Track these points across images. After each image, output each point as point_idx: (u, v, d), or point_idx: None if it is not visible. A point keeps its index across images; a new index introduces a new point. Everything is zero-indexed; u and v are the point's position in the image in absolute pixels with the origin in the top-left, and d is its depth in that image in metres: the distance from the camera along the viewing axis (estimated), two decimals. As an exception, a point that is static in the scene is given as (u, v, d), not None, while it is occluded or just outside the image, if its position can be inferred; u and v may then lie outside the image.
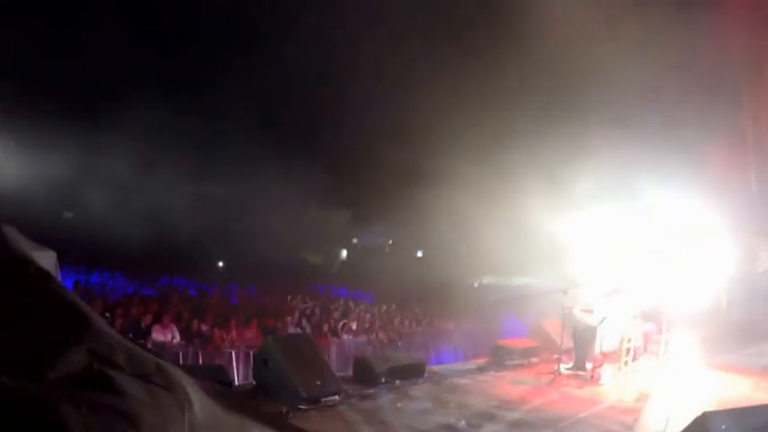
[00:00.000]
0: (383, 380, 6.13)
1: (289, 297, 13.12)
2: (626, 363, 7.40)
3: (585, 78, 10.39)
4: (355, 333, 10.48)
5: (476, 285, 20.82)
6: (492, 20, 12.92)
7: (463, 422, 5.18)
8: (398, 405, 5.60)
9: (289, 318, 10.43)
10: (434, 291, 16.26)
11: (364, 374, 6.21)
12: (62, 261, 4.32)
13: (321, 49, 14.29)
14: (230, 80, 15.59)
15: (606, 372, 7.22)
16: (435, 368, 7.36)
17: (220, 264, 21.14)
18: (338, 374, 6.23)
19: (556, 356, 7.73)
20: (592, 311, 7.52)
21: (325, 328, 10.48)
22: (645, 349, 8.19)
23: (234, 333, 8.68)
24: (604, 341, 7.35)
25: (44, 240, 3.52)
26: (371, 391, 5.92)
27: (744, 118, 11.15)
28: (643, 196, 9.32)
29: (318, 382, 5.43)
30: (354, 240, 27.64)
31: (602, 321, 7.38)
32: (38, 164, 13.27)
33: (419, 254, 26.22)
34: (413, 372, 6.57)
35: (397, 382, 6.26)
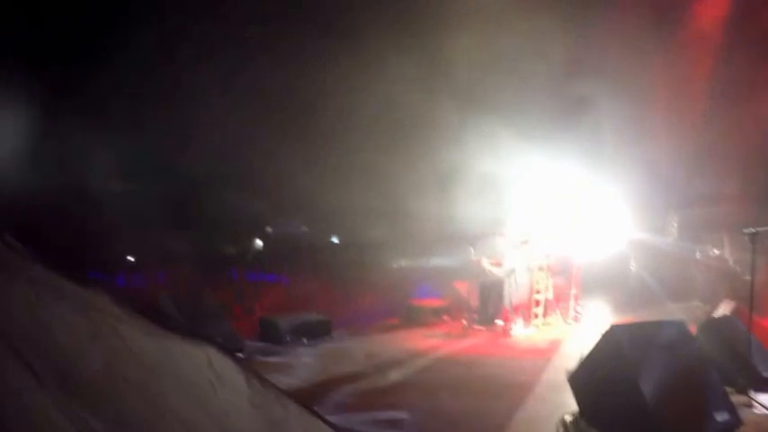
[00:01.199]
0: (288, 338, 5.81)
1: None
2: (536, 315, 7.43)
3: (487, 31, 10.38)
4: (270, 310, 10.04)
5: (394, 267, 20.77)
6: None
7: (372, 369, 4.98)
8: (304, 360, 5.32)
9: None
10: (349, 273, 16.01)
11: (269, 333, 5.88)
12: None
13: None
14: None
15: (517, 324, 7.22)
16: (344, 329, 7.09)
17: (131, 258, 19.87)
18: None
19: (466, 314, 7.70)
20: (500, 264, 7.54)
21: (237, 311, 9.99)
22: (556, 304, 8.25)
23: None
24: (513, 294, 7.35)
25: None
26: (278, 348, 5.60)
27: (656, 89, 11.74)
28: (555, 156, 9.50)
29: (219, 340, 5.03)
30: (269, 229, 27.00)
31: (510, 273, 7.39)
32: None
33: (334, 240, 25.94)
34: (320, 330, 6.29)
35: (304, 340, 5.95)
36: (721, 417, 3.22)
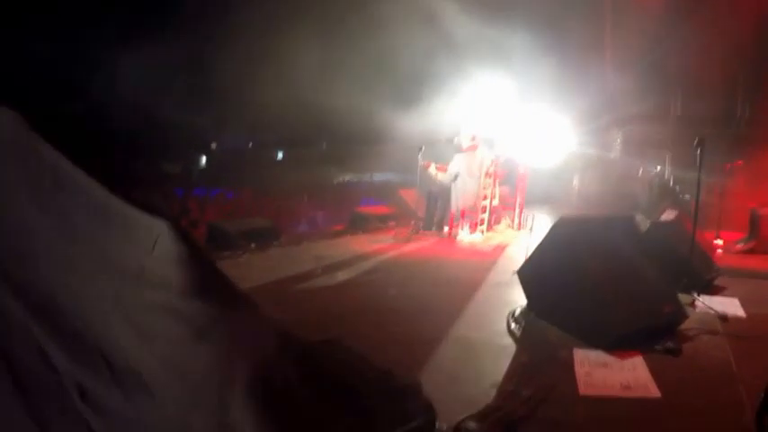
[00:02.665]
0: (237, 243, 5.58)
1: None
2: (482, 221, 7.44)
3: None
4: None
5: (335, 182, 20.62)
6: None
7: (320, 269, 4.85)
8: (253, 263, 5.13)
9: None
10: (294, 187, 15.71)
11: (217, 239, 5.62)
12: None
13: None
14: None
15: (462, 230, 7.22)
16: (292, 234, 6.92)
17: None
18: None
19: (413, 221, 7.64)
20: (446, 170, 7.44)
21: (184, 221, 9.62)
22: (501, 212, 8.31)
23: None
24: (459, 199, 7.30)
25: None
26: (226, 252, 5.37)
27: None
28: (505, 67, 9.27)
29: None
30: (213, 146, 25.99)
31: (455, 178, 7.32)
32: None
33: (279, 155, 25.37)
34: (268, 235, 6.09)
35: (252, 245, 5.74)
36: (668, 308, 3.29)
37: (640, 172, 11.10)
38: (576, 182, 11.29)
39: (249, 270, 4.80)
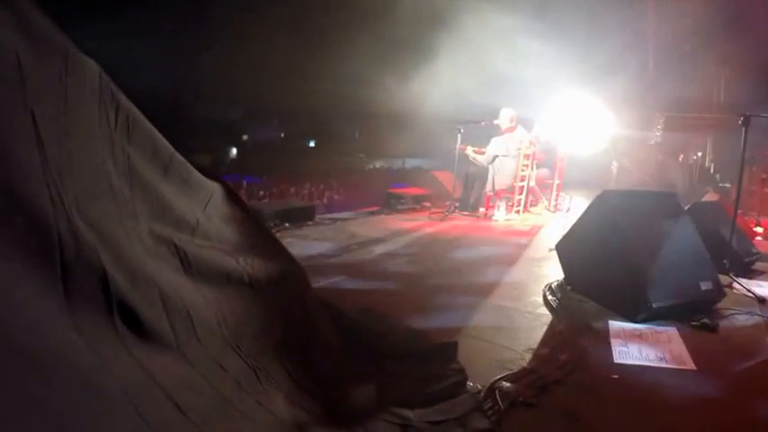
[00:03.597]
0: (272, 223, 5.68)
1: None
2: (519, 201, 7.38)
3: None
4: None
5: (368, 168, 20.70)
6: None
7: (355, 245, 4.92)
8: (288, 240, 5.21)
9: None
10: (326, 174, 15.81)
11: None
12: None
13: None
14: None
15: (499, 210, 7.19)
16: (325, 215, 6.98)
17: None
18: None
19: (448, 202, 7.64)
20: (483, 152, 7.40)
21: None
22: (539, 193, 8.21)
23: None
24: (496, 180, 7.26)
25: None
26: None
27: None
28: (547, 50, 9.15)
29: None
30: (245, 137, 26.39)
31: (492, 160, 7.27)
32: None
33: (311, 144, 25.57)
34: (303, 215, 6.18)
35: (287, 224, 5.84)
36: (706, 286, 3.23)
37: (680, 158, 10.80)
38: (614, 167, 11.03)
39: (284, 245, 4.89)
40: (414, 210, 7.66)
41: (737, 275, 3.95)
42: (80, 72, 1.20)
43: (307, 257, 4.40)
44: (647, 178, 10.43)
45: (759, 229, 6.51)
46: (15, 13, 1.04)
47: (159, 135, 1.48)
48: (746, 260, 4.40)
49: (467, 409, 1.89)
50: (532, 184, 7.69)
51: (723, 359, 2.57)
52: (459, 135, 7.33)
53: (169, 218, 1.40)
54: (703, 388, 2.24)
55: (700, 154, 11.04)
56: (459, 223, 6.67)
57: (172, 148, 1.52)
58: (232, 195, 1.80)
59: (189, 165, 1.60)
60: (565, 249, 3.70)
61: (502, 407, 1.89)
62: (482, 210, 7.32)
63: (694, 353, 2.59)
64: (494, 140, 7.31)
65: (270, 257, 1.77)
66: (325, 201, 9.55)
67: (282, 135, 27.27)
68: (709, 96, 11.47)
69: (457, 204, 7.50)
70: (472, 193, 7.47)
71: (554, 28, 9.10)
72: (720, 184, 9.61)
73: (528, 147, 7.28)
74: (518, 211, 7.26)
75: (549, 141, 7.92)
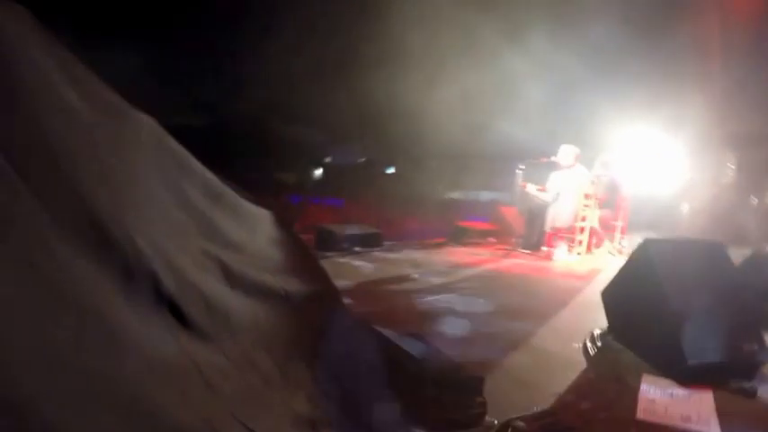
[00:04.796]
0: (343, 246, 6.05)
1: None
2: (580, 242, 7.35)
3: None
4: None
5: (444, 197, 20.88)
6: None
7: (416, 274, 5.16)
8: (356, 264, 5.54)
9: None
10: (402, 201, 16.19)
11: (325, 240, 6.13)
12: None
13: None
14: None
15: (560, 249, 7.18)
16: (395, 242, 7.29)
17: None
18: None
19: (513, 239, 7.71)
20: (545, 189, 7.45)
21: (297, 227, 10.40)
22: (601, 235, 8.11)
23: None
24: (557, 218, 7.28)
25: None
26: (332, 254, 5.86)
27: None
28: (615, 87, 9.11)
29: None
30: (328, 159, 27.38)
31: (555, 198, 7.30)
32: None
33: (391, 170, 26.13)
34: (371, 241, 6.51)
35: (356, 248, 6.18)
36: (750, 347, 3.18)
37: (756, 201, 10.19)
38: (685, 209, 10.60)
39: (349, 270, 5.22)
40: (479, 244, 7.81)
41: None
42: (135, 127, 1.54)
43: (368, 282, 4.69)
44: (716, 222, 9.92)
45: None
46: (79, 82, 1.39)
47: (211, 174, 1.81)
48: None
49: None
50: (594, 224, 7.61)
51: (748, 425, 2.56)
52: (519, 172, 7.43)
53: (218, 239, 1.70)
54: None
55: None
56: (519, 261, 6.73)
57: (222, 185, 1.84)
58: (280, 222, 2.09)
59: (239, 197, 1.91)
60: (610, 297, 3.75)
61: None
62: (544, 249, 7.34)
63: (725, 418, 2.59)
64: (552, 176, 7.34)
65: (307, 278, 2.04)
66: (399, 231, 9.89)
67: (363, 159, 28.22)
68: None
69: (521, 241, 7.57)
70: (534, 229, 7.51)
71: (618, 60, 9.02)
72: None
73: (588, 186, 7.25)
74: (579, 253, 7.21)
75: (612, 181, 7.82)
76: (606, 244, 7.96)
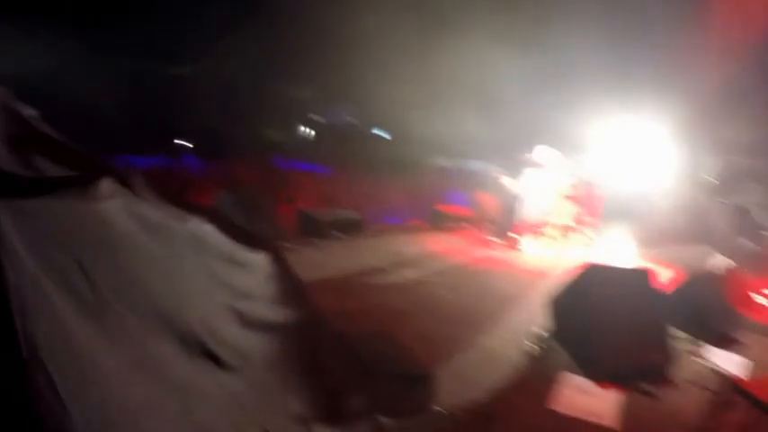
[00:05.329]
0: (325, 232, 6.72)
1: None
2: (550, 236, 8.04)
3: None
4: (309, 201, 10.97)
5: (431, 166, 21.37)
6: None
7: (389, 268, 5.87)
8: (335, 251, 6.24)
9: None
10: (391, 168, 16.74)
11: (308, 227, 6.79)
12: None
13: None
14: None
15: (526, 240, 7.90)
16: (375, 226, 7.96)
17: (183, 141, 21.00)
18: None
19: (486, 225, 8.42)
20: (517, 181, 8.12)
21: (280, 198, 10.95)
22: (572, 229, 8.75)
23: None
24: (527, 212, 7.97)
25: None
26: (315, 240, 6.53)
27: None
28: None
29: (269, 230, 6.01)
30: (321, 119, 27.56)
31: (526, 194, 7.98)
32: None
33: (383, 134, 26.45)
34: (353, 227, 7.17)
35: (338, 234, 6.86)
36: (657, 356, 3.97)
37: (729, 205, 10.95)
38: (660, 204, 11.37)
39: (331, 258, 5.93)
40: (454, 230, 8.51)
41: (716, 347, 4.59)
42: (181, 242, 2.15)
43: (345, 274, 5.40)
44: (686, 221, 10.70)
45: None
46: (134, 215, 2.02)
47: (222, 239, 2.41)
48: (722, 330, 4.96)
49: (425, 424, 2.82)
50: (565, 220, 8.30)
51: (644, 425, 3.32)
52: (494, 167, 8.08)
53: (233, 293, 2.33)
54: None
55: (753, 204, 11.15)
56: (487, 253, 7.46)
57: (232, 243, 2.44)
58: (278, 260, 2.72)
59: (244, 250, 2.51)
60: (554, 304, 4.50)
61: (446, 428, 2.82)
62: (512, 235, 7.98)
63: (625, 414, 3.36)
64: (526, 172, 7.99)
65: (296, 304, 2.69)
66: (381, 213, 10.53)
67: (353, 120, 28.43)
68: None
69: (493, 229, 8.27)
70: (506, 219, 8.18)
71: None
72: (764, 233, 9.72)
73: (560, 185, 7.92)
74: (547, 246, 7.94)
75: (586, 179, 8.50)
76: (578, 237, 8.72)
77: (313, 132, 25.65)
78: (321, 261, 5.76)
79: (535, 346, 4.19)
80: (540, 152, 7.99)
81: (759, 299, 6.56)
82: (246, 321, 2.21)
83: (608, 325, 3.92)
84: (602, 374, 3.77)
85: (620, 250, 8.29)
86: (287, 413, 2.15)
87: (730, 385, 2.64)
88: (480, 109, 12.62)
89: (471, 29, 12.36)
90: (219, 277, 2.21)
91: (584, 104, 9.84)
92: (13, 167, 1.89)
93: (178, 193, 9.37)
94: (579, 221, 8.76)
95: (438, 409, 2.99)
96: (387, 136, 25.40)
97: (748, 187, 11.40)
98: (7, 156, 1.95)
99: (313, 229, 6.69)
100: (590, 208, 8.71)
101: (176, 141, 20.27)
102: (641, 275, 4.34)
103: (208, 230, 2.18)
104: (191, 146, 20.38)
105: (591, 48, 10.20)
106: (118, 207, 1.80)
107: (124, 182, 1.86)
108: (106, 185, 1.78)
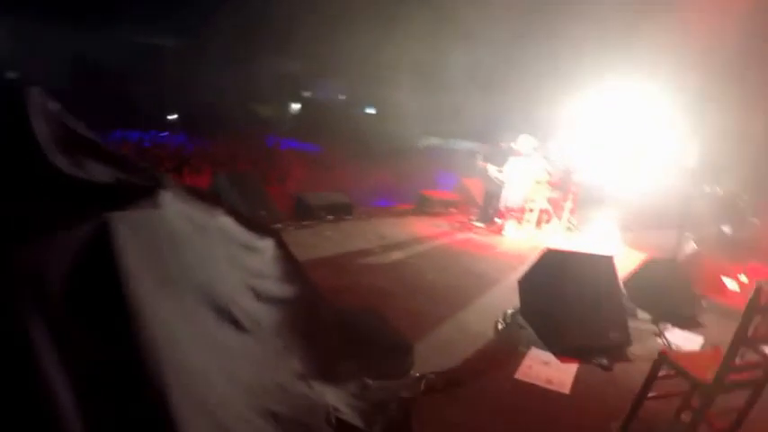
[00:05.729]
0: (317, 215, 7.24)
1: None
2: (528, 221, 8.64)
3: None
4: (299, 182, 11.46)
5: (420, 146, 21.79)
6: None
7: (378, 249, 6.42)
8: (327, 234, 6.76)
9: (240, 166, 11.33)
10: (379, 146, 17.16)
11: (302, 210, 7.30)
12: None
13: None
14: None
15: (509, 225, 8.48)
16: (364, 209, 8.49)
17: (172, 116, 21.21)
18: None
19: (471, 210, 8.98)
20: (501, 171, 8.68)
21: (271, 178, 11.42)
22: (551, 214, 9.34)
23: (187, 180, 9.47)
24: (510, 198, 8.55)
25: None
26: (307, 222, 7.06)
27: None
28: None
29: (263, 213, 6.52)
30: (307, 94, 27.58)
31: (509, 180, 8.56)
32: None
33: (372, 111, 26.63)
34: (343, 210, 7.70)
35: (329, 217, 7.38)
36: (614, 333, 4.56)
37: (717, 189, 11.59)
38: (642, 186, 11.97)
39: (323, 240, 6.46)
40: (440, 214, 9.07)
41: (675, 326, 5.22)
42: (212, 234, 2.66)
43: (338, 255, 5.94)
44: (664, 209, 11.34)
45: (744, 279, 7.24)
46: (184, 216, 2.55)
47: (238, 228, 2.92)
48: (684, 313, 5.59)
49: (403, 386, 3.39)
50: (544, 205, 8.88)
51: (592, 393, 3.90)
52: (479, 153, 8.63)
53: (249, 273, 2.86)
54: (561, 412, 3.62)
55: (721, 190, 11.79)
56: (471, 236, 8.05)
57: (245, 231, 2.94)
58: (281, 245, 3.23)
59: (255, 238, 3.02)
60: (524, 284, 5.07)
61: (421, 389, 3.39)
62: (498, 220, 8.59)
63: (579, 382, 3.95)
64: (510, 160, 8.56)
65: (298, 283, 3.23)
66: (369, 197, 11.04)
67: (342, 96, 28.64)
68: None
69: (477, 214, 8.85)
70: (490, 205, 8.77)
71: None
72: (750, 219, 10.34)
73: (541, 173, 8.50)
74: (527, 230, 8.55)
75: (566, 167, 9.07)
76: (556, 221, 9.31)
77: (298, 106, 25.93)
78: (314, 243, 6.28)
79: (505, 323, 4.77)
80: (523, 141, 8.52)
81: (729, 283, 7.20)
82: (259, 296, 2.73)
83: (569, 305, 4.51)
84: (562, 349, 4.36)
85: (598, 234, 8.90)
86: (291, 371, 2.68)
87: (663, 358, 3.18)
88: (469, 91, 13.11)
89: (465, 13, 12.80)
90: (238, 260, 2.72)
91: (569, 92, 10.39)
92: (72, 171, 2.38)
93: (174, 170, 9.85)
94: (559, 207, 9.35)
95: (415, 374, 3.55)
96: (373, 112, 25.77)
97: (733, 175, 12.05)
98: (64, 161, 2.44)
99: (306, 213, 7.21)
100: (567, 193, 9.30)
101: (168, 117, 20.60)
102: (603, 260, 4.92)
103: (228, 222, 2.69)
104: (180, 121, 20.70)
105: (580, 36, 10.75)
106: (175, 212, 2.30)
107: (167, 186, 2.35)
108: (166, 196, 2.27)
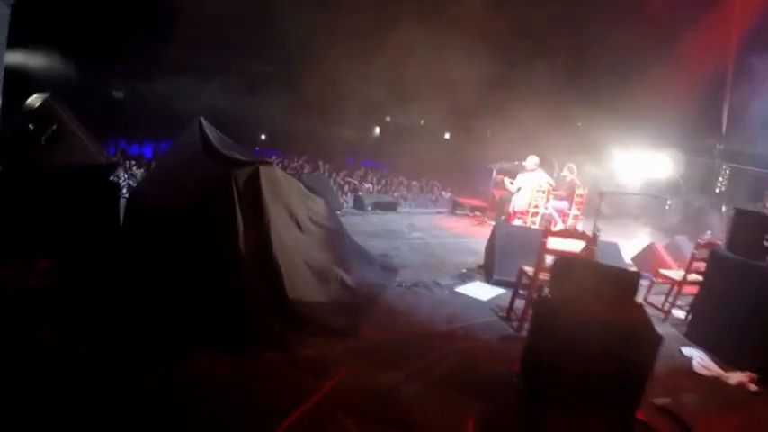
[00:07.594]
0: (369, 209, 10.97)
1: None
2: (533, 223, 11.85)
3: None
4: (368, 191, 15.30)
5: (490, 166, 24.36)
6: None
7: (406, 228, 10.03)
8: (373, 220, 10.47)
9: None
10: (450, 169, 20.07)
11: (358, 204, 11.06)
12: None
13: None
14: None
15: (514, 222, 11.75)
16: (406, 210, 12.13)
17: (263, 136, 24.40)
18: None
19: (489, 213, 12.36)
20: (513, 182, 11.97)
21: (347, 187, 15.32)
22: (557, 221, 12.41)
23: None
24: (517, 204, 11.80)
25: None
26: (360, 212, 10.82)
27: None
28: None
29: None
30: (388, 119, 30.70)
31: (518, 190, 11.82)
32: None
33: (446, 136, 29.30)
34: (389, 207, 11.38)
35: (377, 211, 11.09)
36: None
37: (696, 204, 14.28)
38: (638, 200, 14.84)
39: (369, 224, 10.15)
40: (466, 215, 12.51)
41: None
42: (292, 187, 6.40)
43: (372, 230, 9.60)
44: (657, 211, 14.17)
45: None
46: (281, 175, 6.19)
47: (301, 186, 6.64)
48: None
49: (389, 285, 6.99)
50: (549, 211, 12.00)
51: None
52: (494, 171, 11.98)
53: (309, 212, 6.49)
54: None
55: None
56: (479, 229, 11.43)
57: (306, 191, 6.66)
58: (328, 203, 6.93)
59: (310, 193, 6.72)
60: (485, 249, 8.45)
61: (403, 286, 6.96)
62: (504, 218, 11.83)
63: (500, 300, 7.30)
64: (519, 176, 11.83)
65: (333, 221, 6.89)
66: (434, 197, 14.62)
67: (422, 122, 31.77)
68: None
69: (492, 216, 12.18)
70: (501, 210, 12.06)
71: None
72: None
73: (543, 185, 11.69)
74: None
75: (572, 181, 12.18)
76: (559, 225, 12.42)
77: (378, 130, 29.47)
78: (360, 223, 10.00)
79: (468, 269, 8.20)
80: (530, 160, 11.81)
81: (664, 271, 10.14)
82: (313, 222, 6.43)
83: (506, 255, 7.86)
84: (494, 281, 7.73)
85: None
86: (328, 260, 6.32)
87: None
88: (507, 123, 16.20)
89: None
90: (303, 201, 6.41)
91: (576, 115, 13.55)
92: (228, 154, 6.21)
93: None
94: (564, 213, 12.46)
95: (397, 282, 7.10)
96: (446, 136, 28.74)
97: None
98: (223, 151, 6.28)
99: (360, 205, 10.97)
100: (572, 203, 12.38)
101: (262, 136, 24.51)
102: (537, 234, 8.21)
103: (301, 185, 6.44)
104: (271, 139, 24.42)
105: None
106: (278, 171, 6.05)
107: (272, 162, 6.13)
108: (273, 164, 6.05)
